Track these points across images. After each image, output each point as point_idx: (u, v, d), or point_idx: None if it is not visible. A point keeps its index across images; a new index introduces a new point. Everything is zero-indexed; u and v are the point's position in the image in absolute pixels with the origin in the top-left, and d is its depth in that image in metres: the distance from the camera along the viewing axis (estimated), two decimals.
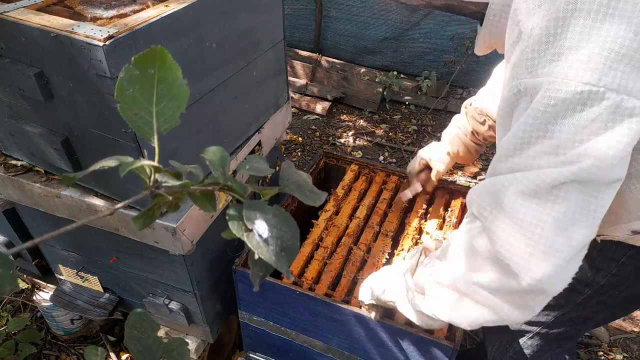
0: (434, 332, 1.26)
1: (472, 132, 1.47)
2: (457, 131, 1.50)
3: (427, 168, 1.60)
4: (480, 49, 0.99)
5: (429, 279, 0.97)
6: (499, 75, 1.39)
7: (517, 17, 0.75)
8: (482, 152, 1.56)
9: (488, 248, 0.81)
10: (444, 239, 1.11)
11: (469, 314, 0.90)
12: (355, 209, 1.63)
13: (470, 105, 1.47)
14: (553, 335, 1.31)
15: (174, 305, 1.52)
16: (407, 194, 1.61)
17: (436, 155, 1.55)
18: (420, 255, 1.08)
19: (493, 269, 0.82)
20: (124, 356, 1.97)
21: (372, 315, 1.23)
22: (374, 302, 1.19)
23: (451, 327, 1.30)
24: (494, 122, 1.42)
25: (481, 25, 0.93)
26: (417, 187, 1.61)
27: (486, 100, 1.43)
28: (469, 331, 2.18)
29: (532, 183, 0.73)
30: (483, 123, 1.45)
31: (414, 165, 1.61)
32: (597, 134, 0.67)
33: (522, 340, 1.37)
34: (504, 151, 0.77)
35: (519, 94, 0.74)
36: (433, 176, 1.59)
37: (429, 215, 1.60)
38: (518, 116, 0.75)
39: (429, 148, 1.59)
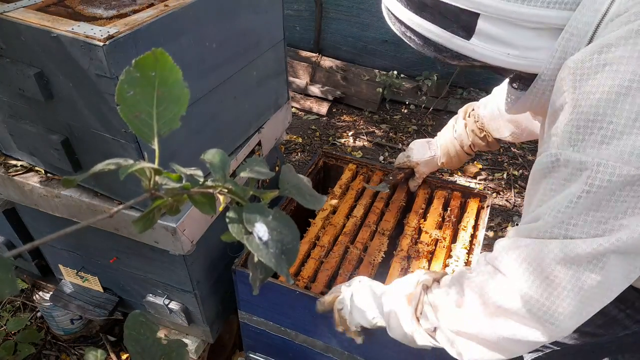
0: None
1: (470, 146, 1.49)
2: (454, 142, 1.51)
3: (411, 168, 1.65)
4: (516, 111, 0.97)
5: (446, 326, 0.96)
6: (501, 94, 1.38)
7: (562, 87, 0.74)
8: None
9: (517, 305, 0.82)
10: (443, 270, 1.07)
11: (479, 356, 0.93)
12: (352, 208, 1.63)
13: (469, 117, 1.47)
14: (572, 354, 1.29)
15: (174, 305, 1.52)
16: (386, 188, 1.66)
17: (424, 160, 1.59)
18: (422, 292, 1.03)
19: (520, 322, 0.84)
20: (124, 356, 1.97)
21: (359, 340, 1.22)
22: (367, 327, 1.17)
23: None
24: (494, 139, 1.45)
25: (515, 88, 0.91)
26: (388, 184, 1.67)
27: (489, 119, 1.43)
28: None
29: (572, 252, 0.74)
30: (483, 139, 1.46)
31: (400, 160, 1.65)
32: None
33: (537, 354, 1.35)
34: (544, 220, 0.77)
35: (557, 163, 0.74)
36: (417, 179, 1.65)
37: (427, 215, 1.60)
38: (553, 183, 0.76)
39: (419, 149, 1.60)
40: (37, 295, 1.83)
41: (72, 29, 0.95)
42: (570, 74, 0.72)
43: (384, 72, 3.79)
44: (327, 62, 3.95)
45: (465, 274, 0.94)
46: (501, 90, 1.39)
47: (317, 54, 4.00)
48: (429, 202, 1.67)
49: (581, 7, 0.71)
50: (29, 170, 1.36)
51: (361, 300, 1.14)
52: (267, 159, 1.75)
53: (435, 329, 0.99)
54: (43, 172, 1.35)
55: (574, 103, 0.71)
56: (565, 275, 0.76)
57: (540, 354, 1.34)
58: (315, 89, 3.80)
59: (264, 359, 1.67)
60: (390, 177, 1.67)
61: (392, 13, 0.88)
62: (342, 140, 3.47)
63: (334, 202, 1.65)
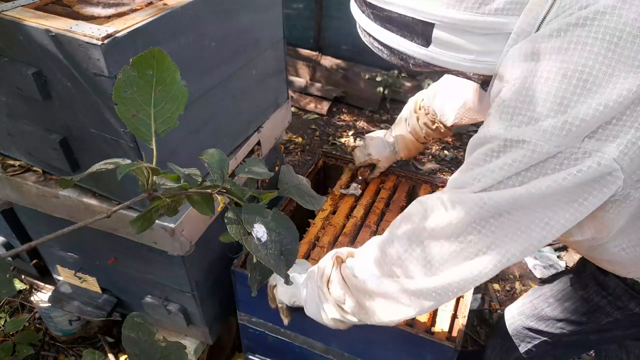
0: (434, 332, 1.26)
1: (424, 136, 1.58)
2: (410, 137, 1.60)
3: (372, 164, 1.71)
4: (486, 110, 1.04)
5: (358, 291, 1.00)
6: (450, 81, 1.46)
7: (502, 72, 0.81)
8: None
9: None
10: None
11: (398, 314, 0.97)
12: (352, 208, 1.63)
13: (420, 109, 1.55)
14: (561, 345, 1.33)
15: (172, 306, 1.51)
16: (358, 190, 1.69)
17: (384, 156, 1.67)
18: (334, 264, 1.08)
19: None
20: (122, 357, 1.96)
21: (286, 321, 1.26)
22: (287, 304, 1.21)
23: (451, 328, 1.29)
24: (446, 128, 1.52)
25: (485, 90, 0.98)
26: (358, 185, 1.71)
27: (440, 107, 1.50)
28: (471, 333, 2.17)
29: (495, 202, 0.80)
30: (436, 130, 1.54)
31: (361, 159, 1.71)
32: (549, 176, 0.75)
33: (526, 346, 1.38)
34: (473, 185, 0.83)
35: (485, 139, 0.81)
36: (375, 172, 1.71)
37: None
38: (480, 156, 0.82)
39: (377, 146, 1.67)
40: (35, 296, 1.82)
41: (71, 28, 0.95)
42: (508, 62, 0.79)
43: (385, 71, 3.78)
44: (327, 61, 3.94)
45: (384, 238, 0.99)
46: (448, 76, 1.46)
47: (317, 53, 3.99)
48: None
49: (526, 10, 0.78)
50: (26, 170, 1.35)
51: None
52: (267, 159, 1.75)
53: (344, 300, 1.03)
54: (41, 172, 1.34)
55: (508, 86, 0.78)
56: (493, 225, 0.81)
57: (530, 345, 1.37)
58: (315, 88, 3.80)
59: None
60: (360, 178, 1.71)
61: (361, 26, 0.98)
62: (342, 140, 3.46)
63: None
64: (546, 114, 0.73)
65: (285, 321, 1.26)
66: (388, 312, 0.97)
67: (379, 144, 1.66)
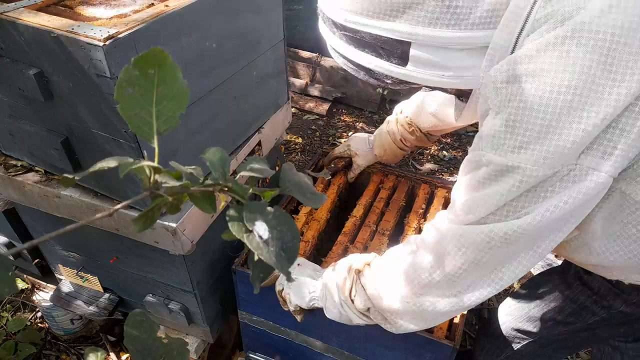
0: (434, 331, 1.26)
1: (401, 140, 1.59)
2: (387, 137, 1.62)
3: (349, 158, 1.74)
4: (464, 122, 1.06)
5: (380, 306, 1.04)
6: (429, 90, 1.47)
7: (486, 94, 0.80)
8: (405, 155, 1.66)
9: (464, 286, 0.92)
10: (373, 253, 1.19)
11: (422, 325, 1.03)
12: (333, 202, 1.65)
13: (401, 113, 1.58)
14: (550, 344, 1.35)
15: (173, 305, 1.52)
16: (328, 175, 1.73)
17: (362, 152, 1.69)
18: (355, 275, 1.10)
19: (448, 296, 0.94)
20: (124, 356, 1.97)
21: (299, 318, 1.27)
22: (304, 307, 1.22)
23: (451, 327, 1.30)
24: (422, 133, 1.55)
25: (461, 101, 0.99)
26: (328, 172, 1.74)
27: (417, 114, 1.53)
28: (469, 332, 2.18)
29: (496, 235, 0.83)
30: (412, 133, 1.56)
31: (341, 150, 1.75)
32: (551, 198, 0.76)
33: (515, 347, 1.39)
34: (478, 211, 0.84)
35: (480, 163, 0.81)
36: (355, 170, 1.74)
37: (427, 215, 1.60)
38: (477, 179, 0.83)
39: (359, 141, 1.71)
40: (37, 295, 1.83)
41: (72, 29, 0.95)
42: (491, 82, 0.77)
43: None
44: (327, 62, 3.95)
45: (402, 259, 1.01)
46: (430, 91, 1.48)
47: (317, 54, 4.00)
48: (429, 202, 1.67)
49: (501, 25, 0.77)
50: (29, 170, 1.36)
51: (299, 283, 1.20)
52: (267, 159, 1.76)
53: (369, 309, 1.07)
54: (43, 172, 1.35)
55: (495, 110, 0.77)
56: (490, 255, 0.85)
57: (519, 346, 1.38)
58: (315, 89, 3.80)
59: (264, 359, 1.67)
60: (332, 165, 1.75)
61: (333, 48, 0.94)
62: (342, 141, 3.46)
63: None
64: (536, 138, 0.73)
65: (299, 319, 1.27)
66: (414, 324, 1.02)
67: (361, 140, 1.70)
